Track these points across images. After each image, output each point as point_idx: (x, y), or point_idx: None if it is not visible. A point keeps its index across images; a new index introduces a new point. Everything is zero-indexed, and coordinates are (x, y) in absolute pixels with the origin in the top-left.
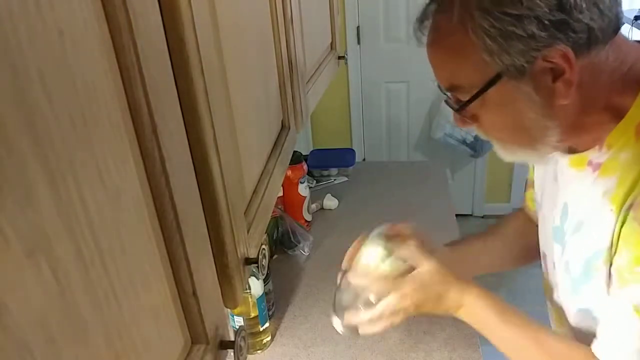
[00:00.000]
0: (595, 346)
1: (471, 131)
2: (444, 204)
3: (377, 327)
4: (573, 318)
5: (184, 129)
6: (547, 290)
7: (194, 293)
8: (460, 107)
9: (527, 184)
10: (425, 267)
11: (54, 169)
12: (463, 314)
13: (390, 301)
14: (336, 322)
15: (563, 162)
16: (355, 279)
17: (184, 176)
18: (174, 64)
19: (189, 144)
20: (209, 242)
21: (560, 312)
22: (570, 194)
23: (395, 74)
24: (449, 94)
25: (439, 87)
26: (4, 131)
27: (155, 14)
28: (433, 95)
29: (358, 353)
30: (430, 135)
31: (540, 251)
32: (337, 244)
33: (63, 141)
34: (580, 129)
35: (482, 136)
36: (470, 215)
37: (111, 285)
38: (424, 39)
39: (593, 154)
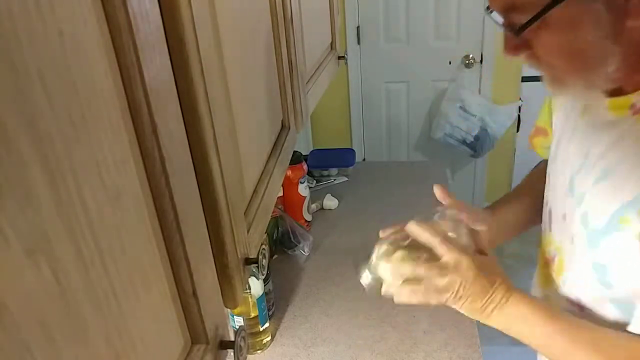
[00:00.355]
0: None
1: (471, 131)
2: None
3: (409, 297)
4: (583, 277)
5: (184, 129)
6: (542, 247)
7: (194, 293)
8: (520, 28)
9: (536, 130)
10: (483, 258)
11: (54, 169)
12: (503, 315)
13: (449, 279)
14: (366, 276)
15: (596, 107)
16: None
17: (184, 176)
18: (174, 64)
19: (189, 144)
20: (209, 242)
21: (551, 270)
22: (598, 140)
23: (395, 74)
24: (501, 18)
25: (490, 16)
26: (4, 131)
27: (155, 14)
28: (433, 95)
29: (358, 353)
30: (430, 135)
31: (546, 206)
32: (337, 244)
33: (63, 141)
34: (639, 66)
35: (532, 65)
36: None
37: (111, 285)
38: None
39: (638, 97)
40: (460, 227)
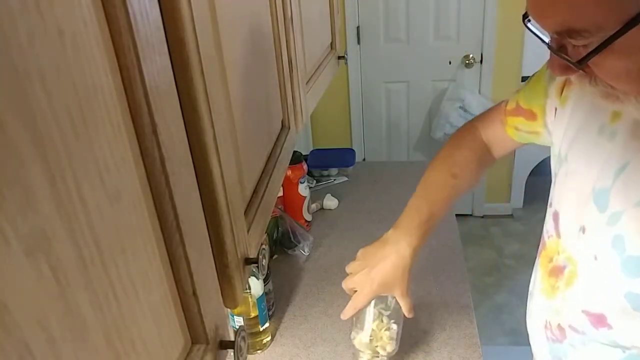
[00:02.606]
0: None
1: None
2: None
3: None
4: (607, 297)
5: (184, 129)
6: (542, 252)
7: (194, 293)
8: (582, 59)
9: (517, 109)
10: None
11: (54, 169)
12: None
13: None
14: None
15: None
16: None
17: (184, 176)
18: (174, 64)
19: (189, 144)
20: (209, 242)
21: (559, 280)
22: (639, 157)
23: (395, 74)
24: (553, 37)
25: (528, 28)
26: (4, 131)
27: (155, 14)
28: (433, 95)
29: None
30: (430, 135)
31: (550, 208)
32: (337, 244)
33: (63, 141)
34: None
35: (584, 84)
36: (470, 215)
37: (111, 285)
38: None
39: None
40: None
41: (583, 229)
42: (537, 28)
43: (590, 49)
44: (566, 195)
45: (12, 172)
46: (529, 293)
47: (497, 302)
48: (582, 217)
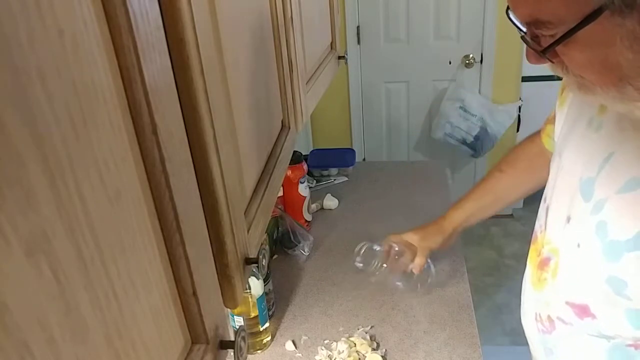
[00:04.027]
0: None
1: (471, 131)
2: (444, 204)
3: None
4: (588, 284)
5: (184, 129)
6: (535, 247)
7: (194, 293)
8: (545, 49)
9: (549, 118)
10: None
11: (54, 169)
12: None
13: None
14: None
15: (623, 110)
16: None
17: (184, 176)
18: (174, 64)
19: (189, 144)
20: (209, 242)
21: (546, 272)
22: (625, 145)
23: (395, 74)
24: (524, 28)
25: (509, 16)
26: (4, 131)
27: (155, 13)
28: (433, 95)
29: None
30: (430, 135)
31: (544, 203)
32: (337, 244)
33: (63, 141)
34: None
35: (557, 73)
36: None
37: (111, 285)
38: None
39: None
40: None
41: (568, 219)
42: (514, 17)
43: (556, 39)
44: (558, 189)
45: (12, 172)
46: (522, 289)
47: (497, 302)
48: (569, 208)
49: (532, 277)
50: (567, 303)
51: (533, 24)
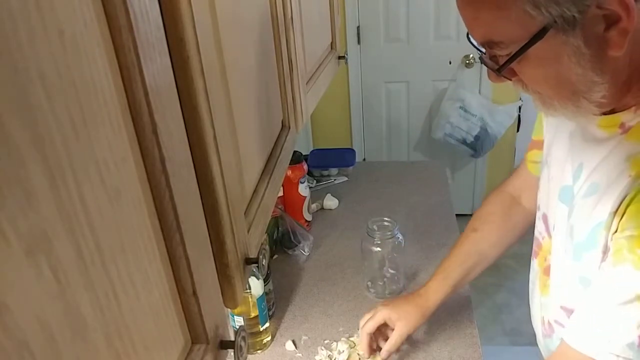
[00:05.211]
0: (570, 334)
1: (471, 131)
2: (444, 204)
3: None
4: (570, 286)
5: (184, 129)
6: (538, 252)
7: (194, 293)
8: (500, 67)
9: (532, 144)
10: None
11: (54, 168)
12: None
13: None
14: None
15: (588, 121)
16: None
17: (184, 176)
18: (174, 64)
19: (189, 144)
20: (209, 242)
21: (548, 277)
22: (589, 155)
23: (395, 74)
24: (483, 49)
25: (469, 40)
26: (4, 131)
27: (155, 13)
28: (433, 95)
29: None
30: (430, 135)
31: (539, 211)
32: (337, 244)
33: (63, 141)
34: (628, 88)
35: (519, 90)
36: (470, 215)
37: (111, 284)
38: None
39: (627, 116)
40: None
41: (554, 226)
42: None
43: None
44: (550, 197)
45: (12, 172)
46: (530, 294)
47: (497, 302)
48: (555, 215)
49: (539, 283)
50: (561, 307)
51: (487, 44)
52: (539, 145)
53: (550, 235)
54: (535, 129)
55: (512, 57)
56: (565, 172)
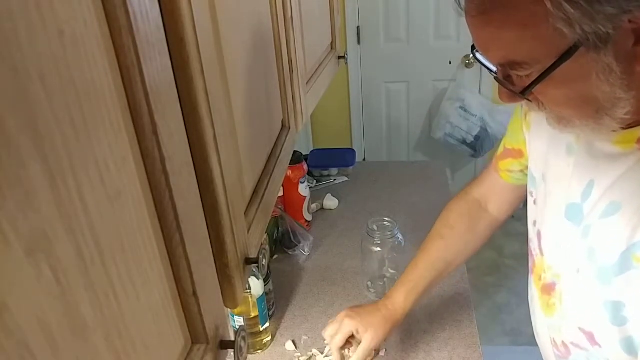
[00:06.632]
0: None
1: (472, 131)
2: (444, 204)
3: None
4: (592, 310)
5: (184, 129)
6: (533, 269)
7: (194, 293)
8: (525, 90)
9: (505, 152)
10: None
11: (54, 168)
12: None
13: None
14: None
15: (604, 138)
16: None
17: (184, 176)
18: (174, 64)
19: (189, 144)
20: (209, 242)
21: (553, 298)
22: (602, 172)
23: (395, 74)
24: (498, 68)
25: (478, 60)
26: (4, 131)
27: (155, 13)
28: (433, 95)
29: None
30: (430, 135)
31: (534, 227)
32: (337, 244)
33: (63, 141)
34: None
35: (534, 110)
36: None
37: (111, 285)
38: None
39: None
40: None
41: (559, 244)
42: (485, 59)
43: (532, 79)
44: (547, 215)
45: (12, 172)
46: (531, 310)
47: (497, 302)
48: (559, 232)
49: (540, 302)
50: (579, 329)
51: (508, 65)
52: (515, 154)
53: (542, 253)
54: (509, 138)
55: (539, 78)
56: (572, 189)
